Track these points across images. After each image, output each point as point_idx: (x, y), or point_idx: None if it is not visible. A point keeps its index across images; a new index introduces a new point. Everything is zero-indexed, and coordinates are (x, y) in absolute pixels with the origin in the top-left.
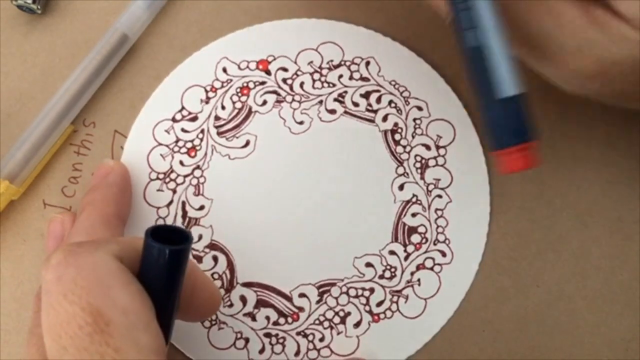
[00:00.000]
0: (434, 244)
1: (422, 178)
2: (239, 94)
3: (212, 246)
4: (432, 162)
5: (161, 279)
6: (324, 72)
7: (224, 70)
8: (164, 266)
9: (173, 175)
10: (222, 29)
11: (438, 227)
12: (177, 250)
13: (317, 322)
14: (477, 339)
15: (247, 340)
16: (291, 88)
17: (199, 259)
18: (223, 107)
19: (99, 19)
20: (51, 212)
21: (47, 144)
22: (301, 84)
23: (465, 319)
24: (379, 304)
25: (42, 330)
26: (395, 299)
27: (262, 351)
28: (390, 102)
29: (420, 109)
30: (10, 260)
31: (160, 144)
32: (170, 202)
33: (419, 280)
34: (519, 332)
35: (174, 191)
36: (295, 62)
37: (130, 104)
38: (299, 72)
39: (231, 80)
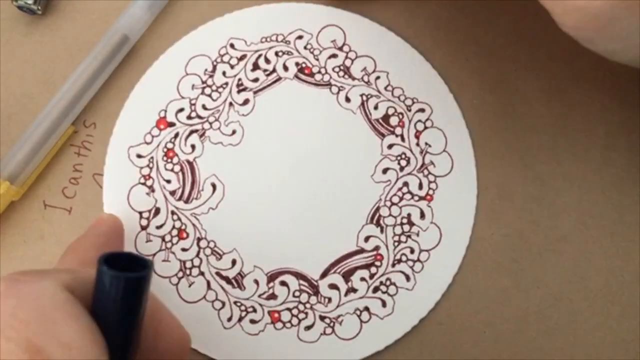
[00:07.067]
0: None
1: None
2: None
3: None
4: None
5: (116, 312)
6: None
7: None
8: (120, 297)
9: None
10: None
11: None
12: (134, 278)
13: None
14: (478, 339)
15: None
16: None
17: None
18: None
19: (99, 20)
20: (51, 212)
21: (47, 144)
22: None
23: (467, 320)
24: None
25: None
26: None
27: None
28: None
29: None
30: (11, 261)
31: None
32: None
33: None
34: (520, 333)
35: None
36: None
37: None
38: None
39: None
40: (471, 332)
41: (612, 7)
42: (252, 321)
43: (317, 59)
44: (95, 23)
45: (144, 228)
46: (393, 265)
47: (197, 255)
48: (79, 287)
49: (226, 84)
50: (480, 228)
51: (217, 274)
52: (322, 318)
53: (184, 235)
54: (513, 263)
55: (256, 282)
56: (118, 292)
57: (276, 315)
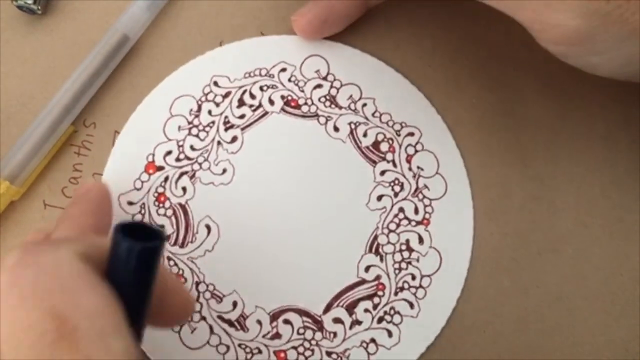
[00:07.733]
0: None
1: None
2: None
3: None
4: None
5: (131, 279)
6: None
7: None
8: (135, 265)
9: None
10: (222, 30)
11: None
12: (149, 248)
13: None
14: (478, 339)
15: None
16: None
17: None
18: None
19: (99, 20)
20: (51, 212)
21: (47, 144)
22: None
23: (466, 320)
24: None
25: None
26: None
27: None
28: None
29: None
30: None
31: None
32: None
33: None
34: (519, 332)
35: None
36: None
37: (131, 104)
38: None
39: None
40: (470, 331)
41: (589, 25)
42: None
43: (303, 91)
44: (95, 23)
45: None
46: (396, 293)
47: (197, 299)
48: (93, 256)
49: (213, 122)
50: (480, 228)
51: (219, 317)
52: (328, 354)
53: (182, 280)
54: (512, 262)
55: (259, 322)
56: (133, 261)
57: (282, 354)
